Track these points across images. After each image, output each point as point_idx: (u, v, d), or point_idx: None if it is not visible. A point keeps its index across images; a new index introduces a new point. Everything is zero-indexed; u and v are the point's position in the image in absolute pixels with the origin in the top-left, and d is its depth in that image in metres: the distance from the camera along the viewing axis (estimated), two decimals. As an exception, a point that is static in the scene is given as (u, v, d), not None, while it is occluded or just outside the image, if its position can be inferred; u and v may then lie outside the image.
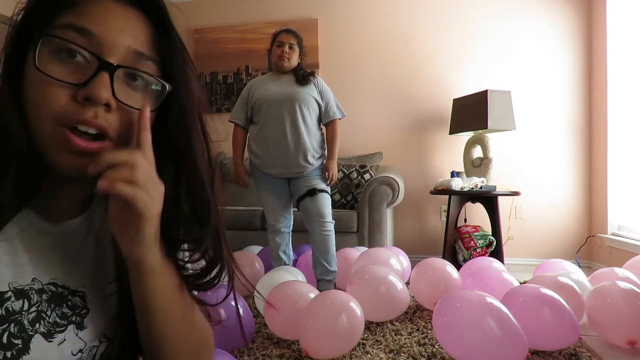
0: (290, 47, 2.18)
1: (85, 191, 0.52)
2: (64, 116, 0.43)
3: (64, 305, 0.49)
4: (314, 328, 1.48)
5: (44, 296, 0.47)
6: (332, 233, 2.21)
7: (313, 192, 2.17)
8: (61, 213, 0.51)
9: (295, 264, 2.48)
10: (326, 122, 2.26)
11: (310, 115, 2.18)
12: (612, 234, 2.84)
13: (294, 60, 2.21)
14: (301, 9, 3.57)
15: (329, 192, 2.25)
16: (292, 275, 2.02)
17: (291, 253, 2.34)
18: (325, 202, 2.20)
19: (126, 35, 0.46)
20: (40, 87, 0.43)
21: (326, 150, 2.26)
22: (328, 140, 2.26)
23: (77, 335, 0.49)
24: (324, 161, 2.25)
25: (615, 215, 2.86)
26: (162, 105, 0.50)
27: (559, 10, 3.15)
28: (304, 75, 2.19)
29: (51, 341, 0.47)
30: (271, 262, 2.33)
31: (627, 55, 2.81)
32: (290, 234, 2.33)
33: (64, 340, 0.48)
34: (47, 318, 0.47)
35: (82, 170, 0.44)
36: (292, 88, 2.16)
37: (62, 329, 0.48)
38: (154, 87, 0.49)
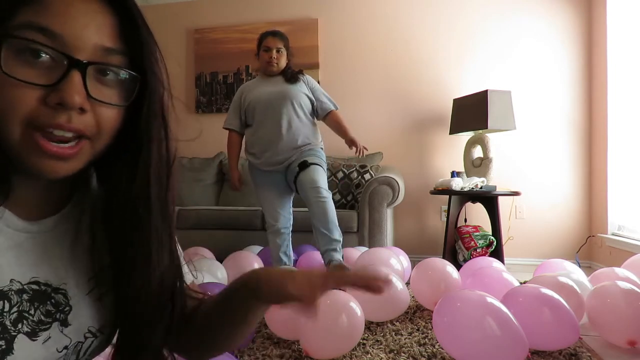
0: (278, 51, 2.22)
1: (59, 190, 0.52)
2: (34, 120, 0.41)
3: (48, 302, 0.48)
4: (314, 328, 1.48)
5: (25, 296, 0.46)
6: (329, 200, 2.16)
7: (304, 164, 2.19)
8: (37, 212, 0.50)
9: (295, 264, 2.49)
10: (324, 115, 2.30)
11: (304, 111, 2.24)
12: (612, 234, 2.84)
13: (282, 63, 2.25)
14: (301, 9, 3.57)
15: (324, 167, 2.27)
16: (292, 276, 2.02)
17: (291, 253, 2.35)
18: (318, 171, 2.19)
19: (91, 32, 0.43)
20: (6, 90, 0.40)
21: (322, 142, 2.34)
22: (337, 128, 2.32)
23: (62, 332, 0.49)
24: (316, 148, 2.28)
25: (615, 215, 2.86)
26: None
27: (559, 10, 3.15)
28: (292, 74, 2.25)
29: (35, 340, 0.46)
30: (271, 262, 2.33)
31: (627, 55, 2.80)
32: (290, 234, 2.33)
33: (49, 338, 0.48)
34: (30, 317, 0.46)
35: (57, 173, 0.43)
36: (283, 87, 2.21)
37: (46, 327, 0.48)
38: (124, 79, 0.47)
